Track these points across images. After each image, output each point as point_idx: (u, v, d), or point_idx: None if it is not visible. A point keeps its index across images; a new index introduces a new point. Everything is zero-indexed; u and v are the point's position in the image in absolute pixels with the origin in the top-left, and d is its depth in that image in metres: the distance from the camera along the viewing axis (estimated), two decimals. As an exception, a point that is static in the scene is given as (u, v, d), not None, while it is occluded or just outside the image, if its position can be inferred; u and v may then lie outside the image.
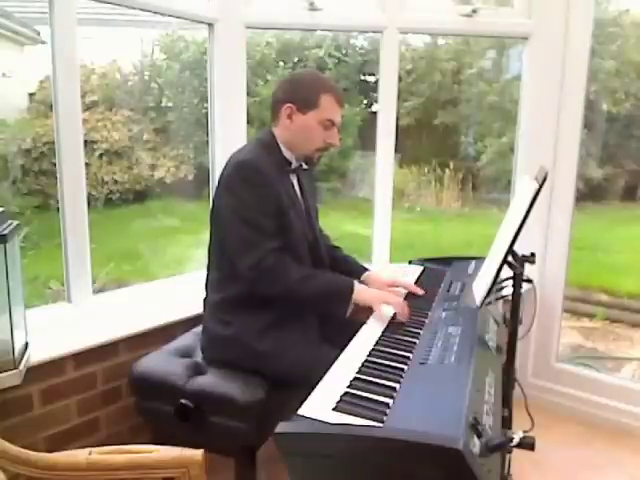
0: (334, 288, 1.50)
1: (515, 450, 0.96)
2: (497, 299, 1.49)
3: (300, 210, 1.59)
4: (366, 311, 1.50)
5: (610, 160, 5.93)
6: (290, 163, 1.59)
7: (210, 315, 1.59)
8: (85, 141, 1.79)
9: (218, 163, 2.19)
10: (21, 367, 1.38)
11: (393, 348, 1.23)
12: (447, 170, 6.59)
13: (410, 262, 2.03)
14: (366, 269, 1.76)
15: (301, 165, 1.62)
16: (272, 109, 1.58)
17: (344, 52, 6.58)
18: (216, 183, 2.14)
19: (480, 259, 1.72)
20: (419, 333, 1.31)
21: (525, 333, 1.34)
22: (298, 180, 1.63)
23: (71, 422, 1.64)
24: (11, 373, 1.36)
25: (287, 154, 1.58)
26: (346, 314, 1.49)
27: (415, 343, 1.25)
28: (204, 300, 1.64)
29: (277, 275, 1.44)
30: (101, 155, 5.33)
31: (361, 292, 1.50)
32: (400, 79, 2.31)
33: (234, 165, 1.49)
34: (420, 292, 1.61)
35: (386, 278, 1.69)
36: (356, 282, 1.53)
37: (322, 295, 1.49)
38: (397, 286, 1.66)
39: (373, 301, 1.49)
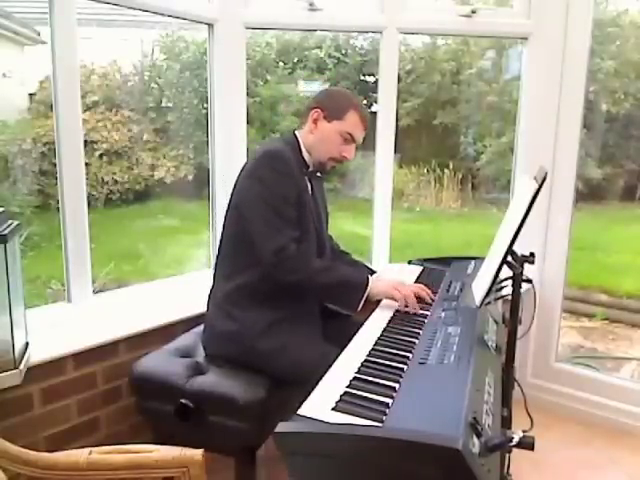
0: (350, 281, 1.55)
1: (514, 450, 0.97)
2: (496, 299, 1.49)
3: (312, 211, 1.63)
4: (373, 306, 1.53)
5: (609, 160, 5.93)
6: (308, 166, 1.64)
7: (215, 308, 1.60)
8: (85, 141, 1.79)
9: (218, 163, 2.19)
10: (21, 367, 1.38)
11: (393, 348, 1.23)
12: (446, 170, 6.60)
13: (410, 262, 2.04)
14: (373, 272, 1.81)
15: (316, 171, 1.68)
16: (303, 114, 1.67)
17: (344, 52, 6.58)
18: (216, 181, 2.19)
19: (479, 259, 1.72)
20: (419, 333, 1.32)
21: (524, 333, 1.35)
22: (311, 184, 1.68)
23: (71, 422, 1.64)
24: (11, 373, 1.36)
25: (306, 156, 1.64)
26: (358, 308, 1.51)
27: (415, 343, 1.25)
28: (210, 293, 1.65)
29: (298, 263, 1.48)
30: (101, 155, 5.33)
31: (375, 286, 1.54)
32: (399, 79, 2.31)
33: (262, 154, 1.54)
34: (428, 298, 1.57)
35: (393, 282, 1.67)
36: (371, 277, 1.56)
37: (338, 286, 1.53)
38: None
39: (388, 291, 1.52)
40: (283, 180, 1.50)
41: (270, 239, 1.47)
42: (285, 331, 1.51)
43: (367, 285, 1.52)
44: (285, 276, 1.48)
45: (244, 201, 1.54)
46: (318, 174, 1.70)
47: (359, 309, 1.52)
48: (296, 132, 1.66)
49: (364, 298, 1.51)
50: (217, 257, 1.65)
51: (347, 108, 1.59)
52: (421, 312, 1.47)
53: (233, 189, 1.60)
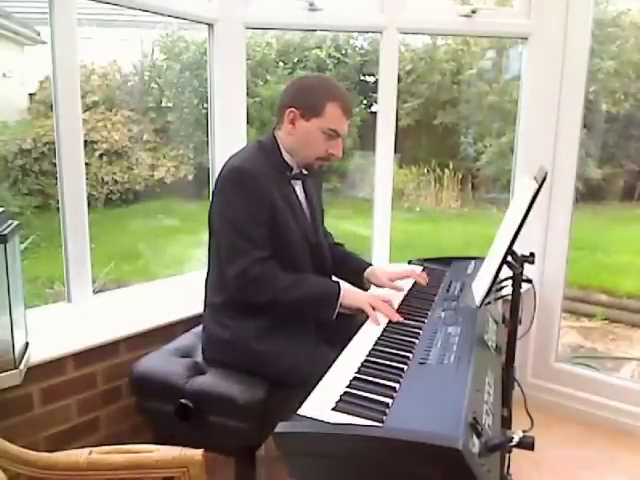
0: (320, 293, 1.49)
1: (515, 450, 0.97)
2: (496, 299, 1.49)
3: (302, 215, 1.57)
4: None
5: (609, 160, 5.94)
6: (291, 168, 1.56)
7: (209, 316, 1.59)
8: (85, 141, 1.79)
9: (218, 163, 2.19)
10: (21, 367, 1.38)
11: (393, 348, 1.23)
12: (447, 170, 6.60)
13: (410, 262, 2.04)
14: (369, 264, 1.75)
15: (301, 171, 1.59)
16: (277, 112, 1.55)
17: (344, 52, 6.59)
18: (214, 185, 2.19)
19: (480, 259, 1.72)
20: (419, 333, 1.32)
21: (524, 333, 1.35)
22: (303, 185, 1.61)
23: (71, 422, 1.64)
24: (11, 373, 1.36)
25: (287, 158, 1.55)
26: (332, 318, 1.47)
27: (415, 343, 1.25)
28: (204, 300, 1.64)
29: (263, 285, 1.43)
30: (101, 155, 5.34)
31: (348, 296, 1.48)
32: (400, 80, 2.31)
33: (228, 170, 1.47)
34: (424, 282, 1.64)
35: (389, 272, 1.70)
36: (343, 286, 1.50)
37: (308, 300, 1.47)
38: (400, 277, 1.68)
39: (361, 304, 1.46)
40: (249, 198, 1.41)
41: (232, 263, 1.42)
42: (281, 334, 1.48)
43: (338, 296, 1.46)
44: (251, 297, 1.44)
45: (213, 215, 1.51)
46: (305, 172, 1.60)
47: (333, 318, 1.47)
48: (275, 132, 1.55)
49: (337, 309, 1.46)
50: (207, 260, 1.61)
51: (324, 101, 1.46)
52: (420, 312, 1.47)
53: (212, 198, 1.55)
